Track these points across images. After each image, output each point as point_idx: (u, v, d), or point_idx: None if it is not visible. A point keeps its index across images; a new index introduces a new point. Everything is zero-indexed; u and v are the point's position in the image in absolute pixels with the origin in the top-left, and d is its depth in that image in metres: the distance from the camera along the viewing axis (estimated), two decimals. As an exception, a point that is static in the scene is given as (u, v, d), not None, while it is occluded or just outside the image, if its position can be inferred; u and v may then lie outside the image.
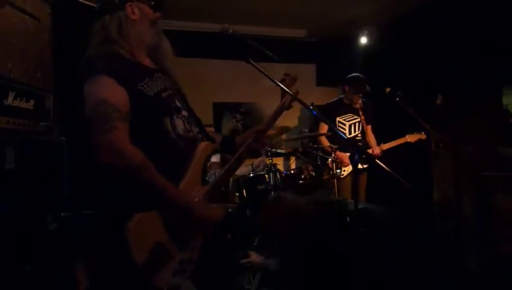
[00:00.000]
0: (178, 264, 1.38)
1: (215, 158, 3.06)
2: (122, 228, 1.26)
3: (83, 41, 1.53)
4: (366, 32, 5.00)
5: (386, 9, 4.47)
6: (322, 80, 5.67)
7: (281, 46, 5.08)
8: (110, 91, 1.34)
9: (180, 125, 1.48)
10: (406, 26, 4.54)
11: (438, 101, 3.91)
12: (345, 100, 4.04)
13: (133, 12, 1.49)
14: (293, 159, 4.66)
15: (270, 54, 1.55)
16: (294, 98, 1.62)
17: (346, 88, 4.00)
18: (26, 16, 2.20)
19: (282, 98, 1.71)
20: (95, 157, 1.27)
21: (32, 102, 1.99)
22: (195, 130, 1.55)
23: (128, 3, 1.49)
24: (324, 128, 3.92)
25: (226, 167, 1.57)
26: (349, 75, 4.01)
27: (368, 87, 3.92)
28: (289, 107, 1.72)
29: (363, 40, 5.03)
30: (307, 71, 5.60)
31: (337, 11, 4.54)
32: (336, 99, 4.15)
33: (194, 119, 1.58)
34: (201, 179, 1.49)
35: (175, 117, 1.47)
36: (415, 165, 4.10)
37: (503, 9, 3.59)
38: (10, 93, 1.84)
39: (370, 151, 3.86)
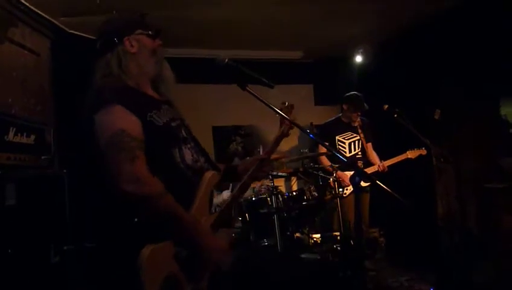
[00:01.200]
0: None
1: (226, 192, 3.08)
2: (134, 261, 1.24)
3: (83, 75, 1.55)
4: (361, 50, 5.06)
5: (380, 28, 4.54)
6: (320, 100, 5.72)
7: (278, 68, 5.17)
8: (125, 120, 1.33)
9: (188, 155, 1.48)
10: (401, 43, 4.61)
11: (436, 116, 3.92)
12: (343, 119, 4.06)
13: (132, 45, 1.51)
14: (294, 180, 4.65)
15: (267, 81, 1.56)
16: (293, 123, 1.62)
17: (345, 107, 4.02)
18: (26, 51, 2.24)
19: (280, 126, 1.72)
20: (116, 186, 1.25)
21: (32, 137, 2.01)
22: (202, 159, 1.56)
23: (126, 38, 1.51)
24: (323, 148, 3.93)
25: (231, 197, 1.57)
26: (347, 94, 4.04)
27: (366, 105, 3.95)
28: (287, 134, 1.73)
29: (359, 58, 5.09)
30: (304, 91, 5.65)
31: (332, 32, 4.60)
32: (334, 118, 4.17)
33: (200, 149, 1.59)
34: (208, 208, 1.49)
35: (183, 147, 1.48)
36: (418, 181, 4.09)
37: (496, 22, 3.64)
38: (11, 129, 1.86)
39: (376, 168, 3.86)
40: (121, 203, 1.33)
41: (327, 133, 3.99)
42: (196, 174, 1.48)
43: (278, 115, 1.54)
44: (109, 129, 1.31)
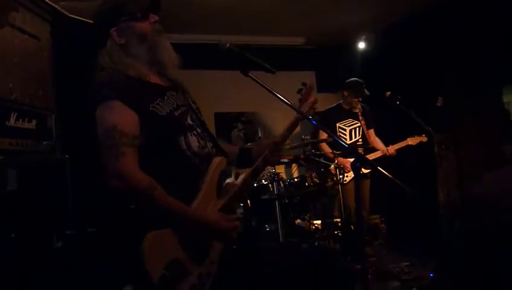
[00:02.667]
0: (197, 279, 1.38)
1: (229, 179, 3.08)
2: (137, 246, 1.27)
3: (83, 60, 1.54)
4: (364, 37, 5.02)
5: (383, 14, 4.49)
6: (322, 86, 5.68)
7: (280, 54, 5.14)
8: (119, 116, 1.35)
9: (194, 142, 1.48)
10: (404, 30, 4.56)
11: (438, 103, 3.90)
12: (344, 105, 4.04)
13: (119, 36, 1.46)
14: (295, 167, 4.65)
15: (268, 66, 1.55)
16: (296, 110, 1.61)
17: (345, 93, 4.00)
18: (26, 36, 2.22)
19: (300, 107, 1.68)
20: (105, 181, 1.29)
21: (34, 122, 2.00)
22: (210, 145, 1.55)
23: (113, 29, 1.46)
24: (324, 134, 3.93)
25: (243, 181, 1.56)
26: (348, 80, 4.01)
27: (366, 91, 3.93)
28: (310, 112, 1.71)
29: (362, 45, 5.05)
30: (307, 78, 5.56)
31: (335, 18, 4.56)
32: (334, 105, 4.15)
33: (208, 135, 1.58)
34: (217, 193, 1.50)
35: (189, 135, 1.47)
36: (420, 168, 4.09)
37: (499, 9, 3.60)
38: (12, 114, 1.85)
39: (382, 153, 3.85)
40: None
41: (328, 120, 3.98)
42: (203, 161, 1.48)
43: (277, 97, 1.52)
44: (103, 125, 1.34)
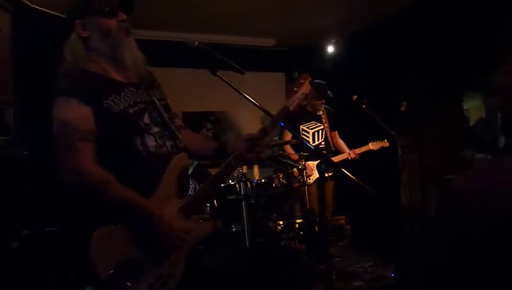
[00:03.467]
0: (156, 280, 1.35)
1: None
2: (85, 244, 1.25)
3: (44, 52, 1.49)
4: (333, 41, 5.10)
5: (352, 19, 4.59)
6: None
7: (250, 55, 5.15)
8: (71, 112, 1.34)
9: (151, 142, 1.44)
10: (371, 35, 4.68)
11: (403, 108, 4.02)
12: (307, 108, 4.03)
13: (84, 29, 1.45)
14: (256, 168, 4.58)
15: (237, 66, 1.54)
16: (265, 111, 1.55)
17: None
18: (-15, 26, 2.12)
19: (287, 99, 1.58)
20: (60, 177, 1.29)
21: (-9, 116, 1.92)
22: (169, 144, 1.50)
23: (78, 21, 1.45)
24: (288, 136, 3.91)
25: (211, 179, 1.52)
26: (311, 82, 4.02)
27: (330, 93, 3.94)
28: (295, 109, 1.57)
29: (330, 49, 5.13)
30: (276, 79, 5.65)
31: (306, 21, 4.61)
32: None
33: (168, 133, 1.52)
34: (177, 192, 1.45)
35: (146, 134, 1.44)
36: (384, 171, 4.21)
37: (466, 16, 3.75)
38: (-33, 107, 1.76)
39: (346, 156, 3.91)
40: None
41: (291, 121, 3.89)
42: (161, 160, 1.44)
43: (245, 98, 1.50)
44: (56, 121, 1.35)
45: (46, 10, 2.56)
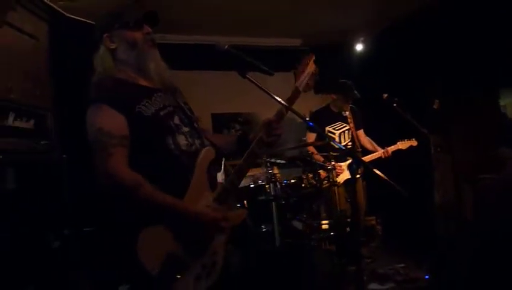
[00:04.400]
0: (201, 270, 1.42)
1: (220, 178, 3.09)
2: (132, 244, 1.31)
3: (80, 60, 1.56)
4: (361, 39, 5.04)
5: (381, 16, 4.52)
6: (320, 88, 5.70)
7: (277, 55, 5.15)
8: (105, 118, 1.41)
9: (182, 141, 1.51)
10: (401, 32, 4.58)
11: (435, 106, 3.93)
12: (332, 108, 3.97)
13: (111, 42, 1.54)
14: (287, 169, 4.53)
15: (266, 68, 1.57)
16: (293, 111, 1.61)
17: (334, 96, 3.92)
18: (24, 35, 2.22)
19: (296, 81, 1.63)
20: (97, 181, 1.35)
21: (32, 121, 2.01)
22: (198, 142, 1.57)
23: (106, 34, 1.54)
24: (311, 137, 3.88)
25: (237, 168, 1.57)
26: (337, 83, 3.94)
27: (357, 93, 3.86)
28: (305, 89, 1.63)
29: (359, 47, 5.07)
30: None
31: (332, 20, 4.58)
32: (322, 107, 4.07)
33: (196, 133, 1.60)
34: (209, 184, 1.52)
35: (176, 134, 1.51)
36: (416, 170, 4.11)
37: (498, 10, 3.63)
38: (10, 114, 1.86)
39: (379, 155, 3.82)
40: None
41: (316, 123, 3.77)
42: (192, 158, 1.51)
43: (278, 102, 1.52)
44: (91, 128, 1.42)
45: (80, 19, 2.66)
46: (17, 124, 1.90)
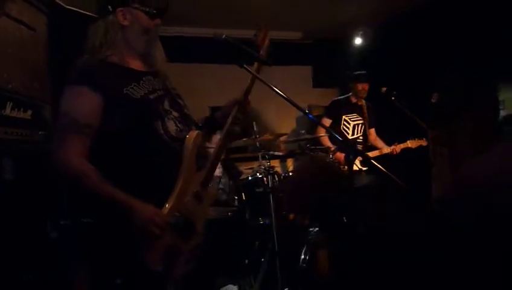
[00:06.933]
0: (188, 253, 1.43)
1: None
2: (130, 235, 1.30)
3: (80, 51, 1.55)
4: (361, 32, 5.03)
5: (380, 10, 4.50)
6: (318, 82, 5.70)
7: (276, 49, 5.11)
8: (76, 103, 1.37)
9: (172, 126, 1.49)
10: (400, 26, 4.58)
11: (434, 99, 3.94)
12: (352, 99, 4.05)
13: (124, 18, 1.48)
14: (290, 162, 4.65)
15: (264, 58, 1.57)
16: (293, 104, 1.60)
17: (360, 86, 3.96)
18: (22, 26, 2.21)
19: (258, 54, 1.63)
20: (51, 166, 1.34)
21: (29, 112, 2.01)
22: (187, 129, 1.56)
23: (120, 9, 1.48)
24: (327, 121, 3.95)
25: (217, 147, 1.57)
26: (355, 72, 4.02)
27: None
28: (264, 56, 1.66)
29: (358, 40, 5.06)
30: (303, 73, 5.63)
31: (332, 13, 4.57)
32: (343, 96, 4.14)
33: (186, 119, 1.59)
34: (196, 166, 1.50)
35: (166, 119, 1.49)
36: (416, 164, 4.12)
37: (497, 5, 3.62)
38: (8, 103, 1.86)
39: (390, 150, 3.88)
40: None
41: (335, 110, 4.00)
42: (182, 144, 1.49)
43: (274, 91, 1.53)
44: (60, 109, 1.39)
45: (80, 10, 2.65)
46: (15, 114, 1.90)
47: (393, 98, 3.66)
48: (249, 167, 3.74)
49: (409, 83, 4.27)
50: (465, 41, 3.97)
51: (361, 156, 3.48)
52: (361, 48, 5.05)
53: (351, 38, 5.06)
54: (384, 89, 3.75)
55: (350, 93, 4.08)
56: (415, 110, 3.70)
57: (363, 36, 5.03)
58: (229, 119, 1.60)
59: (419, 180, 4.18)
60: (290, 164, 4.62)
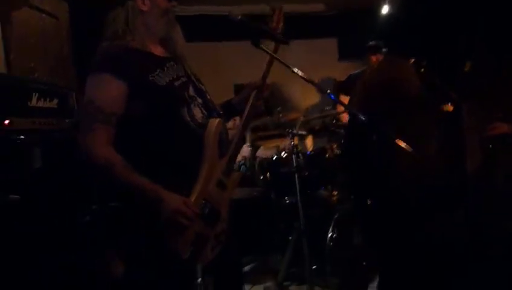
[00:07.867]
0: (214, 240, 1.45)
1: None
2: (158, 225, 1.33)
3: (102, 38, 1.55)
4: (388, 1, 4.81)
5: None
6: (344, 54, 5.54)
7: (300, 22, 5.00)
8: (100, 91, 1.37)
9: (198, 113, 1.49)
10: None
11: (466, 68, 3.76)
12: None
13: (143, 3, 1.48)
14: (310, 141, 4.53)
15: (280, 37, 1.53)
16: (312, 83, 1.58)
17: (368, 57, 3.84)
18: (44, 15, 2.24)
19: (275, 33, 1.62)
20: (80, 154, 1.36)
21: (55, 100, 2.06)
22: (212, 114, 1.56)
23: None
24: (346, 99, 3.82)
25: (238, 135, 1.57)
26: (369, 43, 3.92)
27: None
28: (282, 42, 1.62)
29: (385, 9, 4.85)
30: (328, 46, 5.48)
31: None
32: (359, 70, 4.03)
33: (209, 104, 1.58)
34: (218, 154, 1.49)
35: (192, 106, 1.48)
36: (447, 137, 3.99)
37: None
38: (34, 94, 1.90)
39: None
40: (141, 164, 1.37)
41: (351, 86, 3.79)
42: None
43: (293, 72, 1.49)
44: (85, 97, 1.39)
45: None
46: (41, 104, 1.94)
47: (422, 69, 3.51)
48: (273, 145, 3.72)
49: (440, 52, 4.08)
50: (501, 7, 3.73)
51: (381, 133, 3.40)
52: (388, 17, 4.84)
53: (377, 7, 4.85)
54: (412, 60, 3.59)
55: (366, 67, 3.95)
56: (446, 81, 3.54)
57: (391, 4, 4.81)
58: (248, 107, 1.59)
59: (452, 154, 4.06)
60: (310, 142, 4.52)
